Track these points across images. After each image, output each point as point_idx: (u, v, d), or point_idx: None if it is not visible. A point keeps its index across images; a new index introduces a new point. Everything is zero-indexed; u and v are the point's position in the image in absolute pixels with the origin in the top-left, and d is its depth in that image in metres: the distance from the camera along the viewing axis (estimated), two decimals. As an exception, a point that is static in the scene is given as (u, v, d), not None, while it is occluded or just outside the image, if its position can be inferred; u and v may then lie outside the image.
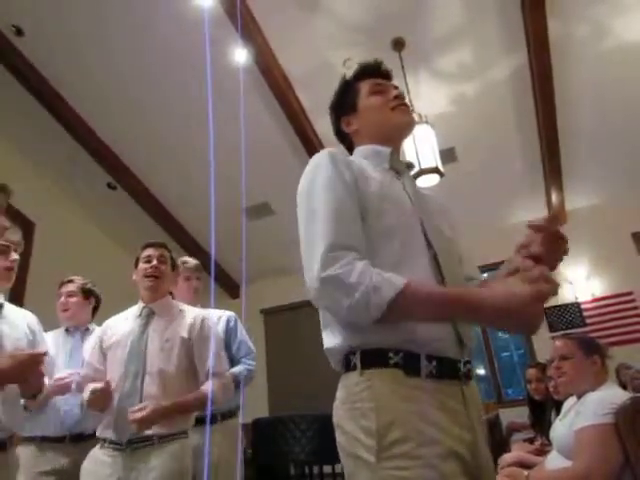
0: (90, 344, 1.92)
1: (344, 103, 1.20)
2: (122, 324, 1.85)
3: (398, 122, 1.15)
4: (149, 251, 1.91)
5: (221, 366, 1.82)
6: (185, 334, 1.79)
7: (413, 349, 0.85)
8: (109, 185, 5.04)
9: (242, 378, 2.39)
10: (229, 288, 6.48)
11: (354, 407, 0.85)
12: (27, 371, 1.49)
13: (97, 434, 1.70)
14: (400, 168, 1.13)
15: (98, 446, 1.68)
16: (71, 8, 3.59)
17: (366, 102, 1.16)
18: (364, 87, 1.18)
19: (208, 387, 1.72)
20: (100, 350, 1.83)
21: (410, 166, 1.19)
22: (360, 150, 1.16)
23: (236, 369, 2.40)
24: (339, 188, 0.93)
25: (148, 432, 1.61)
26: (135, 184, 5.10)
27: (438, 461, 0.77)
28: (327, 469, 3.82)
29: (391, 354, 0.84)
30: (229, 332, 2.50)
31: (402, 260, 0.91)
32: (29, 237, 4.36)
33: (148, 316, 1.84)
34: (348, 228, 0.89)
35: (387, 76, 1.22)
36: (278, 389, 6.04)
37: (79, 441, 2.06)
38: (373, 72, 1.21)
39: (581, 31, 3.72)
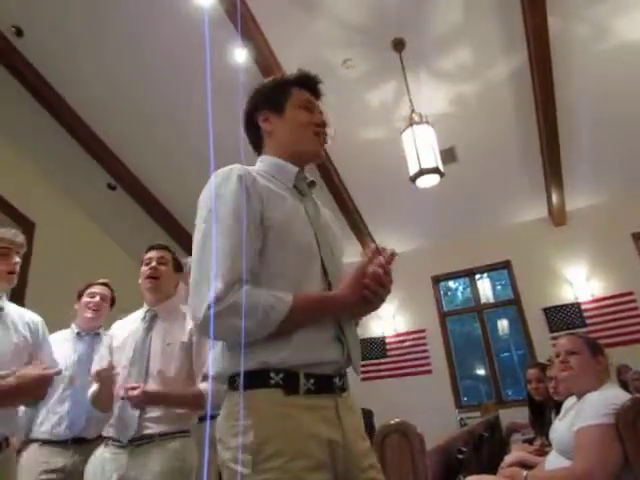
0: (103, 346, 1.96)
1: (271, 98, 1.17)
2: (128, 327, 1.89)
3: (313, 150, 1.16)
4: (150, 254, 1.94)
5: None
6: (185, 338, 1.82)
7: (293, 369, 0.93)
8: (109, 185, 5.04)
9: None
10: (229, 288, 6.48)
11: (235, 424, 0.90)
12: (37, 392, 1.46)
13: (103, 434, 1.74)
14: (303, 188, 1.15)
15: (103, 445, 1.72)
16: (71, 9, 3.59)
17: (294, 112, 1.15)
18: (297, 95, 1.17)
19: (204, 386, 1.74)
20: (109, 352, 1.87)
21: (312, 185, 1.18)
22: (266, 162, 1.14)
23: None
24: (243, 217, 0.96)
25: (149, 431, 1.64)
26: (135, 184, 5.10)
27: (306, 473, 0.86)
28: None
29: (272, 374, 0.92)
30: None
31: (299, 285, 0.98)
32: (29, 237, 4.35)
33: (151, 319, 1.87)
34: (246, 260, 0.93)
35: (319, 96, 1.22)
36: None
37: (82, 443, 2.10)
38: (309, 85, 1.20)
39: (581, 30, 3.72)
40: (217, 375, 0.99)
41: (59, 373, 1.55)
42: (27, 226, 4.38)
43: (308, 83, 1.20)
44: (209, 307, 0.88)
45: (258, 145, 1.20)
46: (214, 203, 0.98)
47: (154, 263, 1.90)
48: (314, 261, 1.04)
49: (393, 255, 1.02)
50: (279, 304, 0.91)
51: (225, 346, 0.97)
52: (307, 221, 1.07)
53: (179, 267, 2.01)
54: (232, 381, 0.95)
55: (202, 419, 2.20)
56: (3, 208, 4.21)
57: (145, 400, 1.62)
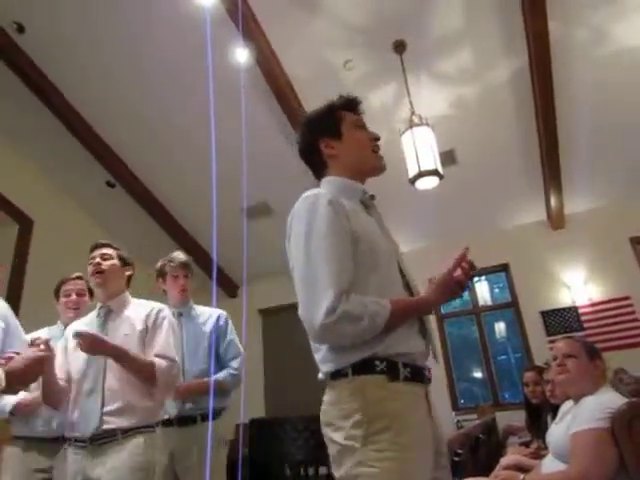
0: (58, 349, 1.91)
1: (327, 126, 1.28)
2: (82, 327, 1.88)
3: (377, 166, 1.30)
4: (93, 253, 1.99)
5: (169, 351, 1.85)
6: (141, 326, 1.85)
7: (393, 358, 1.06)
8: (108, 183, 5.03)
9: (227, 384, 2.35)
10: (227, 287, 6.48)
11: (346, 407, 1.02)
12: (37, 372, 1.45)
13: (64, 435, 1.73)
14: (367, 202, 1.26)
15: (66, 445, 1.72)
16: (72, 6, 3.59)
17: (352, 133, 1.27)
18: (349, 117, 1.29)
19: (155, 360, 1.77)
20: (64, 354, 1.86)
21: (372, 198, 1.29)
22: (334, 184, 1.24)
23: (220, 375, 2.34)
24: (341, 234, 1.08)
25: (111, 426, 1.64)
26: (134, 183, 5.09)
27: (411, 448, 0.99)
28: (323, 470, 3.81)
29: (377, 362, 1.05)
30: (218, 331, 2.45)
31: (384, 289, 1.11)
32: (28, 234, 4.35)
33: (106, 315, 1.89)
34: (349, 272, 1.06)
35: (360, 113, 1.34)
36: (275, 389, 6.03)
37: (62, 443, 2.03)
38: (353, 107, 1.32)
39: (582, 34, 3.73)
40: (327, 372, 1.09)
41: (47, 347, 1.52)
42: (25, 223, 4.38)
43: (351, 105, 1.32)
44: (324, 317, 1.00)
45: (320, 169, 1.30)
46: (312, 223, 1.09)
47: (97, 259, 1.93)
48: (393, 265, 1.17)
49: (466, 252, 1.16)
50: (382, 310, 1.04)
51: (333, 346, 1.08)
52: (379, 231, 1.20)
53: (125, 262, 2.03)
54: (336, 373, 1.07)
55: (205, 417, 2.19)
56: (2, 205, 4.20)
57: (95, 342, 1.64)
